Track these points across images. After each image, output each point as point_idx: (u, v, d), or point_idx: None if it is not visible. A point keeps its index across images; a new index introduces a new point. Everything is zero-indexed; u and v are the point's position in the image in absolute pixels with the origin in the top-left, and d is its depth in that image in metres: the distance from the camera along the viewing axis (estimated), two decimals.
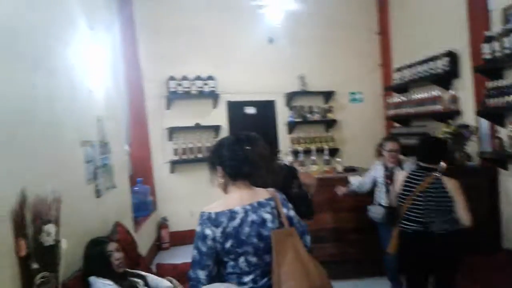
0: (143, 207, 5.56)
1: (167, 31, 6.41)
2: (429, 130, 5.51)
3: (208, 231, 1.86)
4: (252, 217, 1.89)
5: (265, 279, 1.90)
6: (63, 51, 3.06)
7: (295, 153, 5.56)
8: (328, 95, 6.97)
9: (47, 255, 2.30)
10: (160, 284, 3.02)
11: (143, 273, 3.03)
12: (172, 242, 6.23)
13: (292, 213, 2.02)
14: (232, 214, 1.88)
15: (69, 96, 3.08)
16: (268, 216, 1.91)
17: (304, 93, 6.86)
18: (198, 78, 6.43)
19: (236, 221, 1.87)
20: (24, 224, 2.18)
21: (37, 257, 2.23)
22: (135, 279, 2.85)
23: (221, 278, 1.93)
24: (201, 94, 6.45)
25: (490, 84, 4.27)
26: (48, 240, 2.29)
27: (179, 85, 6.34)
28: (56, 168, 2.68)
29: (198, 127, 6.47)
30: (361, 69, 7.07)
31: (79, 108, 3.30)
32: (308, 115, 6.89)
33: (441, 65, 5.19)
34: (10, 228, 2.09)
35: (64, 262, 2.40)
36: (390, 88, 6.63)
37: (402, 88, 6.27)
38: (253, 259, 1.89)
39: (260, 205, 1.93)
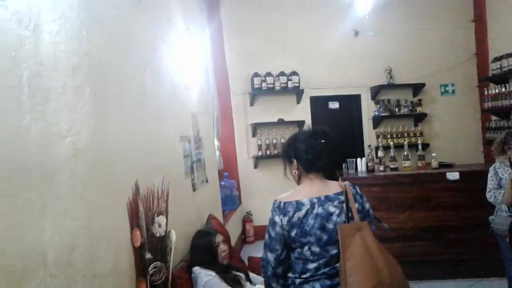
0: (229, 201, 5.67)
1: (252, 29, 6.47)
2: None
3: (277, 218, 1.98)
4: (318, 210, 1.95)
5: (327, 269, 1.94)
6: (166, 50, 3.18)
7: (385, 148, 5.34)
8: (417, 88, 6.64)
9: (159, 245, 2.40)
10: (257, 280, 3.04)
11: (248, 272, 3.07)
12: (256, 236, 6.30)
13: (367, 206, 2.08)
14: (298, 205, 1.96)
15: (170, 93, 3.20)
16: (334, 210, 1.96)
17: (391, 86, 6.59)
18: (282, 74, 6.42)
19: (302, 212, 1.95)
20: (138, 216, 2.28)
21: (150, 247, 2.33)
22: (238, 273, 2.89)
23: (290, 262, 2.03)
24: (284, 90, 6.43)
25: None
26: (159, 231, 2.39)
27: (263, 81, 6.38)
28: (162, 162, 2.79)
29: (281, 122, 6.46)
30: (454, 59, 6.65)
31: (178, 104, 3.42)
32: (395, 109, 6.62)
33: None
34: (127, 220, 2.20)
35: (173, 252, 2.48)
36: (487, 79, 6.17)
37: (502, 79, 5.81)
38: (316, 249, 1.94)
39: (328, 199, 1.98)
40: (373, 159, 4.95)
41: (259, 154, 6.40)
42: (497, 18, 6.17)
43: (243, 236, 6.26)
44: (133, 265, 2.23)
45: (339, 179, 4.60)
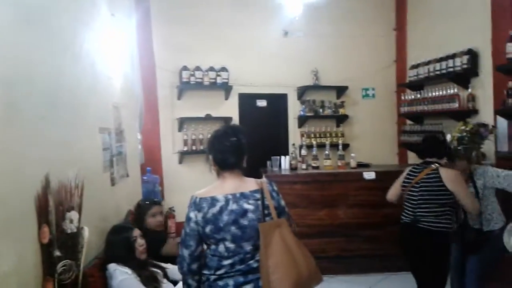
0: (152, 196, 5.50)
1: (182, 20, 6.34)
2: (444, 129, 5.45)
3: (192, 214, 2.02)
4: (233, 206, 1.99)
5: (243, 266, 1.98)
6: (88, 36, 3.01)
7: (308, 147, 5.50)
8: (340, 90, 6.90)
9: (70, 242, 2.26)
10: (177, 275, 2.98)
11: (163, 264, 3.00)
12: (178, 232, 6.18)
13: (283, 203, 2.14)
14: (213, 202, 2.00)
15: (90, 81, 3.04)
16: (249, 207, 1.99)
17: (317, 87, 6.79)
18: (211, 69, 6.36)
19: (216, 209, 1.98)
20: (48, 211, 2.13)
21: (60, 245, 2.19)
22: (155, 270, 2.81)
23: (206, 259, 2.07)
24: (213, 85, 6.38)
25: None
26: (71, 227, 2.25)
27: (192, 75, 6.28)
28: (77, 154, 2.63)
29: (209, 118, 6.41)
30: (375, 64, 6.99)
31: (99, 94, 3.25)
32: (320, 110, 6.83)
33: (460, 63, 5.12)
34: (34, 215, 2.05)
35: (85, 250, 2.35)
36: (404, 85, 6.56)
37: (417, 85, 6.20)
38: (231, 246, 1.98)
39: (243, 195, 2.02)
40: (297, 158, 5.07)
41: (185, 149, 6.30)
42: (416, 27, 6.58)
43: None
44: (40, 263, 2.08)
45: (263, 176, 4.65)
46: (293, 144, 5.81)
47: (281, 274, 1.87)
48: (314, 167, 5.02)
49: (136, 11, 5.07)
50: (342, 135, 6.76)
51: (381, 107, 7.06)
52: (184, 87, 6.31)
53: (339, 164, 5.07)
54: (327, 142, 5.40)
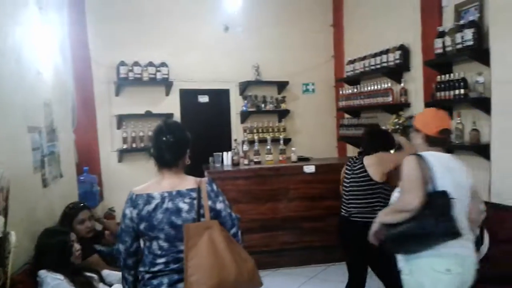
0: (89, 197, 5.30)
1: (119, 14, 6.15)
2: (379, 121, 5.68)
3: (127, 211, 2.02)
4: (168, 204, 1.97)
5: (177, 265, 1.96)
6: (14, 29, 2.83)
7: (251, 142, 5.53)
8: (281, 85, 6.98)
9: None
10: (115, 278, 2.89)
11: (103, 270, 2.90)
12: None
13: (220, 205, 2.08)
14: (148, 199, 1.99)
15: (16, 77, 2.86)
16: (184, 206, 1.98)
17: (258, 82, 6.83)
18: (151, 64, 6.22)
19: (151, 206, 1.97)
20: None
21: None
22: (90, 274, 2.70)
23: (142, 255, 2.07)
24: (153, 81, 6.25)
25: (440, 77, 4.44)
26: None
27: (130, 70, 6.10)
28: (2, 155, 2.47)
29: (149, 115, 6.27)
30: (315, 60, 7.13)
31: (27, 91, 3.07)
32: (262, 105, 6.88)
33: (392, 58, 5.34)
34: None
35: (12, 255, 2.22)
36: (342, 80, 6.75)
37: (354, 80, 6.40)
38: (165, 244, 1.97)
39: (179, 194, 2.01)
40: (239, 153, 5.08)
41: (124, 147, 6.13)
42: (352, 24, 6.78)
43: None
44: None
45: (205, 173, 4.62)
46: (235, 140, 5.81)
47: (199, 276, 1.84)
48: (256, 162, 5.06)
49: (68, 4, 4.84)
50: (284, 130, 6.86)
51: (320, 101, 7.22)
52: (122, 83, 6.13)
53: (280, 158, 5.14)
54: (269, 137, 5.45)
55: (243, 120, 6.89)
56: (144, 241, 2.04)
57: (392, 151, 3.38)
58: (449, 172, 2.29)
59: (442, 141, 2.40)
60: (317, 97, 7.24)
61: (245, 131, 6.76)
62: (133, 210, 1.99)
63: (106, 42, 6.08)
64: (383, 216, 2.39)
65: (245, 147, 5.14)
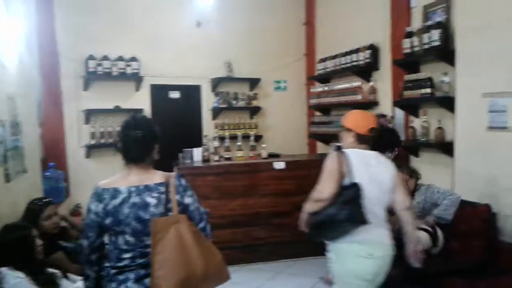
0: (55, 193, 5.16)
1: (88, 6, 6.00)
2: None
3: (92, 205, 1.98)
4: (135, 199, 1.95)
5: (144, 259, 1.94)
6: None
7: (221, 139, 5.51)
8: (253, 82, 6.99)
9: None
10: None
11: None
12: None
13: (188, 200, 2.07)
14: (115, 193, 1.95)
15: None
16: (152, 200, 1.96)
17: (230, 79, 6.81)
18: (120, 58, 6.10)
19: (117, 200, 1.94)
20: None
21: None
22: (54, 270, 2.64)
23: (108, 251, 2.03)
24: (123, 76, 6.13)
25: (408, 77, 4.53)
26: None
27: (99, 65, 5.98)
28: None
29: (118, 110, 6.15)
30: (287, 58, 7.16)
31: None
32: (233, 102, 6.87)
33: (362, 57, 5.43)
34: None
35: None
36: (313, 78, 6.81)
37: (325, 78, 6.47)
38: (131, 239, 1.94)
39: (147, 188, 1.98)
40: (209, 149, 5.05)
41: (92, 143, 6.00)
42: (324, 22, 6.84)
43: None
44: None
45: (174, 169, 4.58)
46: (206, 136, 5.78)
47: (166, 270, 1.83)
48: (226, 159, 5.04)
49: None
50: (256, 127, 6.86)
51: (292, 99, 7.27)
52: (91, 77, 6.00)
53: (251, 155, 5.14)
54: (239, 134, 5.44)
55: (214, 117, 6.86)
56: (109, 236, 2.00)
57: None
58: (367, 167, 2.48)
59: (369, 138, 2.59)
60: (289, 95, 7.28)
61: (216, 127, 6.73)
62: (99, 204, 1.95)
63: (74, 35, 5.93)
64: (307, 206, 2.55)
65: (216, 143, 5.12)
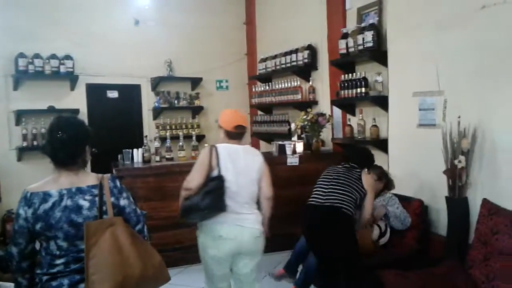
0: None
1: (19, 1, 5.71)
2: (290, 118, 5.87)
3: (21, 211, 1.89)
4: (67, 202, 1.89)
5: (78, 265, 1.89)
6: None
7: (163, 139, 5.42)
8: (195, 82, 6.94)
9: None
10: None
11: None
12: None
13: (124, 202, 2.03)
14: (45, 197, 1.88)
15: None
16: (85, 203, 1.91)
17: (171, 78, 6.72)
18: (54, 56, 5.83)
19: (48, 204, 1.87)
20: None
21: None
22: None
23: (38, 257, 1.96)
24: (56, 75, 5.87)
25: (344, 77, 4.69)
26: None
27: (30, 63, 5.68)
28: None
29: (52, 110, 5.87)
30: (228, 57, 7.18)
31: None
32: (175, 101, 6.78)
33: (301, 57, 5.55)
34: None
35: None
36: (254, 77, 6.87)
37: (266, 78, 6.55)
38: (64, 244, 1.88)
39: (79, 191, 1.93)
40: (150, 150, 4.95)
41: (24, 145, 5.69)
42: (264, 22, 6.93)
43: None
44: None
45: (113, 171, 4.44)
46: (146, 136, 5.66)
47: (101, 274, 1.79)
48: (168, 159, 4.96)
49: None
50: (198, 126, 6.83)
51: (234, 98, 7.29)
52: (21, 77, 5.70)
53: (193, 155, 5.09)
54: (181, 134, 5.38)
55: (155, 117, 6.74)
56: (40, 242, 1.93)
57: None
58: (235, 160, 2.79)
59: (237, 134, 2.88)
60: (231, 94, 7.31)
61: (157, 127, 6.62)
62: (28, 209, 1.87)
63: (3, 31, 5.60)
64: (181, 192, 2.85)
65: (157, 144, 5.03)
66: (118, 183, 2.04)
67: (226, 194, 2.69)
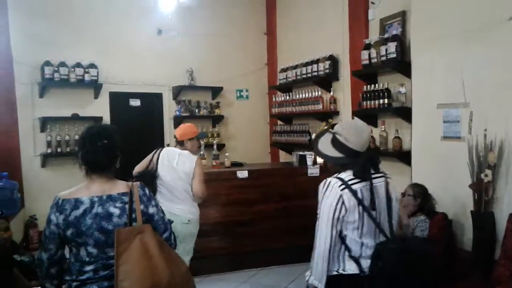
0: (8, 204, 4.96)
1: (46, 10, 5.86)
2: (310, 128, 5.85)
3: (53, 217, 1.92)
4: (98, 209, 1.91)
5: (107, 271, 1.90)
6: None
7: None
8: (216, 91, 6.99)
9: None
10: None
11: None
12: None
13: (153, 210, 2.05)
14: (76, 203, 1.90)
15: None
16: (115, 211, 1.93)
17: (192, 87, 6.79)
18: (79, 65, 5.95)
19: (79, 211, 1.89)
20: None
21: None
22: None
23: (68, 263, 1.97)
24: (81, 83, 5.99)
25: (366, 87, 4.66)
26: None
27: (56, 71, 5.80)
28: None
29: (76, 118, 5.99)
30: (249, 67, 7.22)
31: None
32: (195, 110, 6.84)
33: (323, 67, 5.55)
34: None
35: None
36: (275, 87, 6.89)
37: (286, 88, 6.56)
38: (94, 251, 1.90)
39: (110, 198, 1.94)
40: None
41: (49, 152, 5.80)
42: (285, 33, 6.95)
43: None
44: None
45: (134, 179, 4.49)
46: (168, 145, 5.72)
47: (130, 281, 1.80)
48: None
49: None
50: (218, 135, 6.86)
51: (254, 108, 7.32)
52: (47, 84, 5.82)
53: (214, 163, 5.12)
54: (203, 142, 5.40)
55: (176, 125, 6.76)
56: (70, 248, 1.94)
57: None
58: (171, 160, 3.54)
59: (179, 142, 3.67)
60: (251, 103, 7.33)
61: None
62: (59, 215, 1.89)
63: (30, 40, 5.74)
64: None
65: None
66: (147, 191, 2.06)
67: (159, 182, 3.51)
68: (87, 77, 6.00)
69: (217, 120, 7.00)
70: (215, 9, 6.95)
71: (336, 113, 5.51)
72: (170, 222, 2.13)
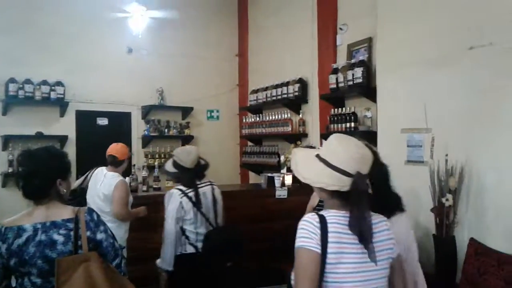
0: None
1: (11, 25, 5.74)
2: (280, 150, 5.87)
3: None
4: (41, 237, 1.83)
5: None
6: None
7: (151, 168, 5.38)
8: (186, 111, 6.95)
9: None
10: None
11: None
12: None
13: (101, 236, 1.96)
14: (19, 231, 1.83)
15: None
16: (59, 238, 1.85)
17: (162, 107, 6.74)
18: (45, 82, 5.83)
19: (22, 239, 1.81)
20: None
21: None
22: None
23: None
24: (46, 101, 5.85)
25: (333, 111, 4.73)
26: None
27: (21, 88, 5.66)
28: None
29: (40, 136, 5.83)
30: (220, 88, 7.23)
31: None
32: (165, 130, 6.77)
33: (292, 90, 5.61)
34: None
35: None
36: (245, 108, 6.91)
37: (257, 109, 6.58)
38: (38, 281, 1.83)
39: (54, 225, 1.87)
40: (137, 179, 4.89)
41: (10, 171, 5.60)
42: (257, 55, 7.02)
43: None
44: None
45: None
46: (134, 165, 5.61)
47: None
48: (155, 189, 4.90)
49: None
50: None
51: (225, 128, 7.31)
52: (11, 101, 5.68)
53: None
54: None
55: (144, 145, 6.71)
56: (16, 278, 1.87)
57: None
58: (96, 181, 3.68)
59: (119, 162, 3.75)
60: (222, 124, 7.32)
61: (146, 156, 6.58)
62: (2, 244, 1.81)
63: None
64: None
65: (144, 173, 4.98)
66: (95, 216, 1.98)
67: (89, 198, 3.64)
68: (53, 95, 5.88)
69: (187, 140, 6.94)
70: (187, 29, 6.96)
71: (304, 135, 5.56)
72: (122, 248, 2.06)
